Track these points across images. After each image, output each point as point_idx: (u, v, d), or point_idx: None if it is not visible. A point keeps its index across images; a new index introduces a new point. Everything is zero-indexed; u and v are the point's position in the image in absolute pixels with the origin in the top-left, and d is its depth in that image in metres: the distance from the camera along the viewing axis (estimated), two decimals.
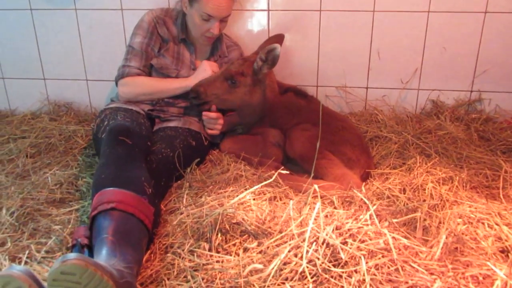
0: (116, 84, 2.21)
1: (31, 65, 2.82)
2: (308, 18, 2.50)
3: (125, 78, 2.16)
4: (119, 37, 2.65)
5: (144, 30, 2.20)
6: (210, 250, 1.38)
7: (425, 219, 1.48)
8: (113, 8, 2.60)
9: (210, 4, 2.05)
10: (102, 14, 2.62)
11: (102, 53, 2.72)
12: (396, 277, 1.19)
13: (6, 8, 2.70)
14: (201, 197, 1.71)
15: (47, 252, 1.47)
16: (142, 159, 1.69)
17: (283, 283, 1.18)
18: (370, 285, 1.15)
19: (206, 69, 2.14)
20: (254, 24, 2.58)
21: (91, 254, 1.34)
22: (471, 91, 2.57)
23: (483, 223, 1.51)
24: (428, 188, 1.69)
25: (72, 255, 1.06)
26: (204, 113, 2.14)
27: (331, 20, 2.49)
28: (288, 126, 2.15)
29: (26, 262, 1.42)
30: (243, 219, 1.43)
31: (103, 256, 1.24)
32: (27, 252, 1.45)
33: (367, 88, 2.63)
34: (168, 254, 1.41)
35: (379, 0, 2.42)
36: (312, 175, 1.65)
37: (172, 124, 2.15)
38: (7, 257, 1.43)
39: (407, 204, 1.58)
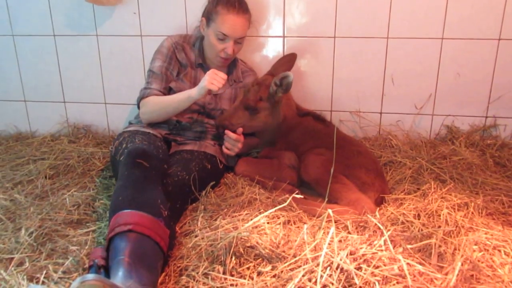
0: (138, 106, 2.27)
1: (52, 88, 2.91)
2: (322, 45, 2.55)
3: (144, 99, 2.21)
4: (138, 63, 2.73)
5: (163, 55, 2.27)
6: (224, 273, 1.38)
7: (440, 246, 1.46)
8: (133, 34, 2.68)
9: (226, 24, 2.14)
10: (122, 40, 2.71)
11: (121, 78, 2.79)
12: None
13: (31, 34, 2.80)
14: (215, 220, 1.73)
15: (64, 272, 1.49)
16: (159, 181, 1.72)
17: None
18: None
19: (205, 79, 2.00)
20: (269, 50, 2.63)
21: (107, 275, 1.35)
22: (486, 117, 2.56)
23: (499, 251, 1.49)
24: (443, 214, 1.68)
25: (90, 276, 1.09)
26: (226, 131, 2.13)
27: (345, 47, 2.53)
28: (304, 148, 2.18)
29: (43, 282, 1.44)
30: (257, 242, 1.44)
31: (119, 277, 1.26)
32: (44, 272, 1.47)
33: (381, 113, 2.65)
34: (183, 277, 1.42)
35: (393, 27, 2.45)
36: (327, 199, 1.67)
37: (188, 147, 2.19)
38: (25, 276, 1.45)
39: (421, 230, 1.57)
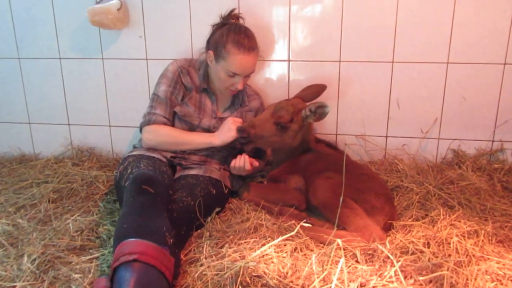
0: (141, 130, 2.26)
1: (56, 111, 2.91)
2: (327, 69, 2.55)
3: (151, 126, 2.20)
4: (143, 86, 2.73)
5: (168, 79, 2.26)
6: None
7: (451, 276, 1.43)
8: (138, 58, 2.69)
9: (237, 63, 2.11)
10: (127, 63, 2.72)
11: (126, 101, 2.79)
12: None
13: (37, 57, 2.82)
14: (221, 247, 1.70)
15: None
16: (164, 208, 1.70)
17: None
18: None
19: (231, 129, 2.15)
20: (274, 74, 2.63)
21: None
22: (493, 141, 2.55)
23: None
24: (453, 243, 1.65)
25: None
26: (246, 156, 2.17)
27: (350, 71, 2.53)
28: (313, 169, 2.17)
29: None
30: (264, 272, 1.41)
31: None
32: None
33: (386, 137, 2.63)
34: None
35: (398, 51, 2.46)
36: (336, 227, 1.64)
37: (193, 172, 2.17)
38: None
39: (432, 259, 1.54)
